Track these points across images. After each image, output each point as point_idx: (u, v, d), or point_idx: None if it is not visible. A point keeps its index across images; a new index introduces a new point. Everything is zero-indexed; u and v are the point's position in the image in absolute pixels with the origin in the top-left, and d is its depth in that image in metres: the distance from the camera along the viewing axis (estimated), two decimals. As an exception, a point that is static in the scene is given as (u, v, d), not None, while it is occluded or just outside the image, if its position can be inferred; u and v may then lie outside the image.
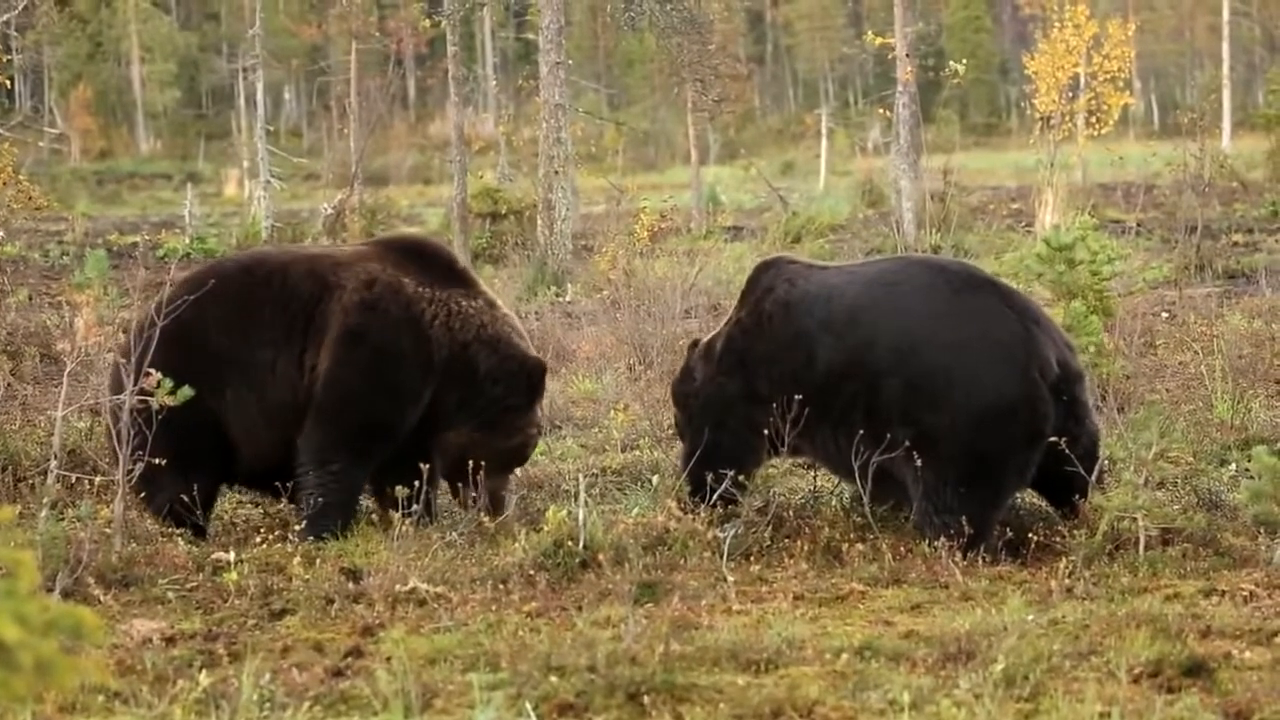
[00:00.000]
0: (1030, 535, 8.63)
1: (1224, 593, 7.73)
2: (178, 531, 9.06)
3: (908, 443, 8.54)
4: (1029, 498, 9.29)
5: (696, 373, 9.51)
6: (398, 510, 8.64)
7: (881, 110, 28.67)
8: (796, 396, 8.80)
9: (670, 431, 11.65)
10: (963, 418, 8.51)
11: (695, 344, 9.71)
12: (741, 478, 9.00)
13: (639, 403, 12.15)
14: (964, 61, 26.45)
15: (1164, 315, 16.90)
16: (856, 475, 8.78)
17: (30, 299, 19.70)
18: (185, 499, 9.11)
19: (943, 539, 8.36)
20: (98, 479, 9.47)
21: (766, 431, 8.97)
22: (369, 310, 9.29)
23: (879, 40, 26.95)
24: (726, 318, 9.58)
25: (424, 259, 9.63)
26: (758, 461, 9.19)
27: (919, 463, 8.53)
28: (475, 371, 9.43)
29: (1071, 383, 8.68)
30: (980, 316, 8.68)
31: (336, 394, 9.22)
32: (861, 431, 8.67)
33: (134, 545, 8.60)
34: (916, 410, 8.59)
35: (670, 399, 9.93)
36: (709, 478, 9.05)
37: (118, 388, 9.01)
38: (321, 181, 43.87)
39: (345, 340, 9.24)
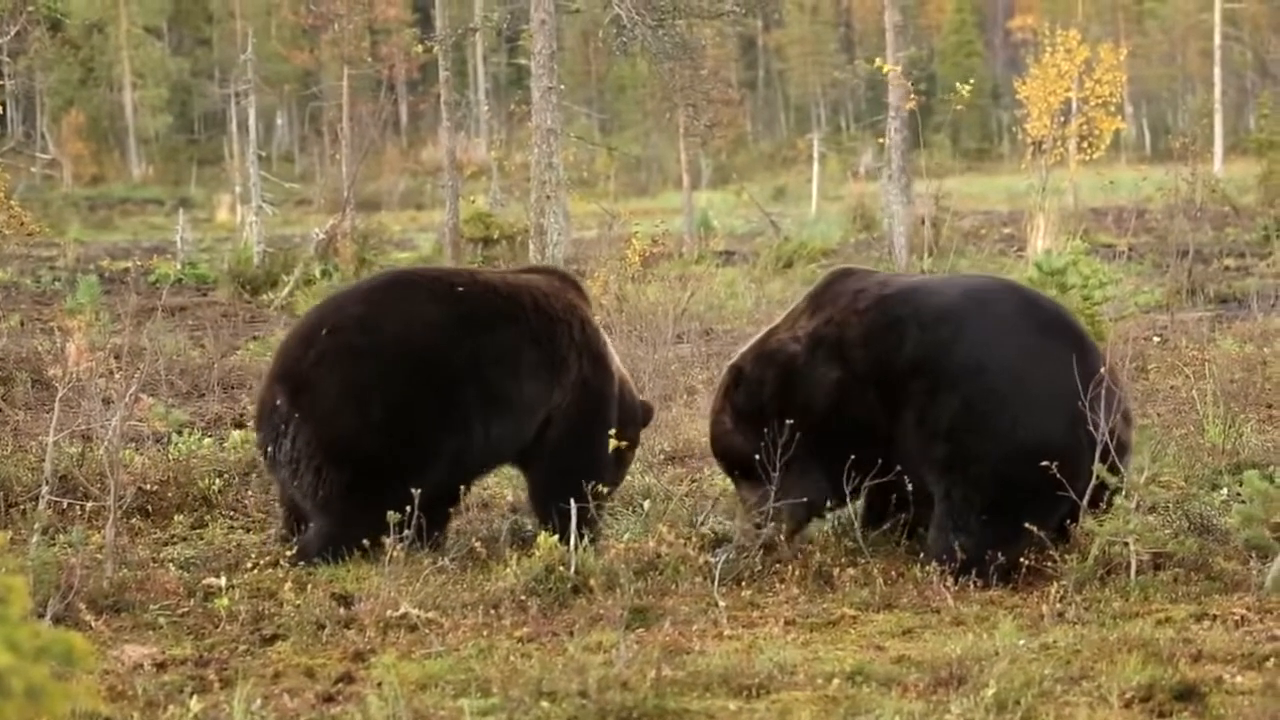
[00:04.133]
0: (1021, 560, 8.61)
1: (1215, 617, 7.72)
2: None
3: (942, 458, 8.53)
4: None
5: (759, 377, 9.33)
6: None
7: (880, 139, 28.64)
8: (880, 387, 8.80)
9: (661, 457, 11.65)
10: (1003, 447, 8.43)
11: (735, 368, 9.50)
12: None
13: (631, 428, 12.10)
14: (970, 83, 26.41)
15: (1155, 339, 16.93)
16: (864, 491, 8.83)
17: (22, 324, 19.70)
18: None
19: (934, 563, 8.38)
20: (89, 504, 9.44)
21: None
22: (601, 366, 9.54)
23: (886, 67, 26.87)
24: (767, 332, 9.48)
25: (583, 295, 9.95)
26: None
27: (950, 480, 8.52)
28: (624, 408, 9.70)
29: (1117, 454, 8.50)
30: (1050, 360, 8.53)
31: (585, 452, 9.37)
32: (903, 439, 8.68)
33: (125, 571, 8.57)
34: (962, 428, 8.54)
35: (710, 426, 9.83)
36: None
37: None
38: (314, 207, 43.96)
39: (592, 400, 9.42)
